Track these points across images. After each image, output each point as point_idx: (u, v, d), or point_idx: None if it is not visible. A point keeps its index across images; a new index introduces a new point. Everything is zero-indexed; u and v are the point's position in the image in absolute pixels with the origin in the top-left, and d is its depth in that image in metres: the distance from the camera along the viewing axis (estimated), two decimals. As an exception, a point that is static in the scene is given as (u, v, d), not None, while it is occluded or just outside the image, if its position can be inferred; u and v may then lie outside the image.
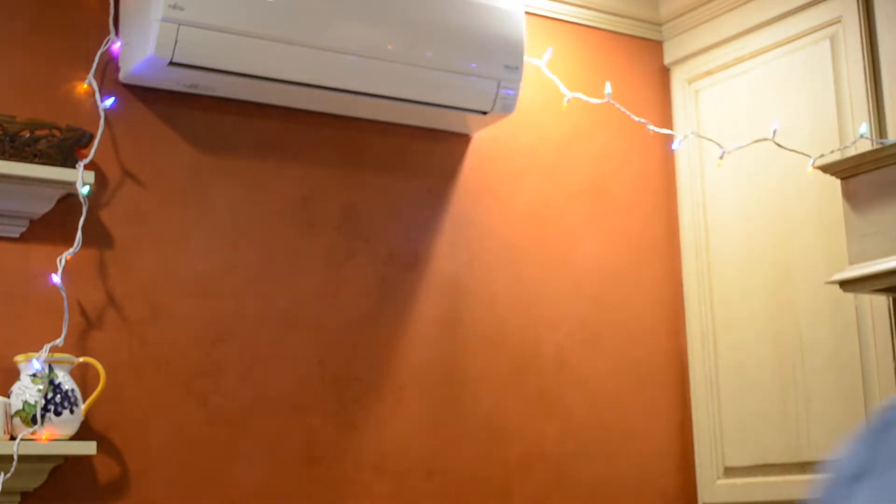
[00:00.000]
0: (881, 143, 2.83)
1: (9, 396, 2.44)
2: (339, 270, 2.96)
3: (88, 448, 2.48)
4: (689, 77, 3.49)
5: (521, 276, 3.20)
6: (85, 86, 2.68)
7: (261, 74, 2.74)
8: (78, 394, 2.48)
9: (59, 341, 2.50)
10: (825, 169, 2.81)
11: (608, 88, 3.20)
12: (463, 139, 3.20)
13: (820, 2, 3.11)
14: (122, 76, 2.72)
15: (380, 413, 2.94)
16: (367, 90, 2.86)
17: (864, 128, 2.89)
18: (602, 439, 3.25)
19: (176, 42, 2.57)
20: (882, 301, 2.88)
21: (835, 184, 2.83)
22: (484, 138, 3.23)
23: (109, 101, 2.68)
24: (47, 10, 2.68)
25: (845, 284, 2.72)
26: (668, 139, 3.41)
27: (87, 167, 2.56)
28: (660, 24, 3.57)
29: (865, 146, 2.84)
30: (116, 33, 2.72)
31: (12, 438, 2.39)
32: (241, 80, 2.74)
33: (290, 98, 2.88)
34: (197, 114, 2.83)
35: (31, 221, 2.58)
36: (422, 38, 2.87)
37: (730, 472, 3.25)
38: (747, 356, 3.22)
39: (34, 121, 2.52)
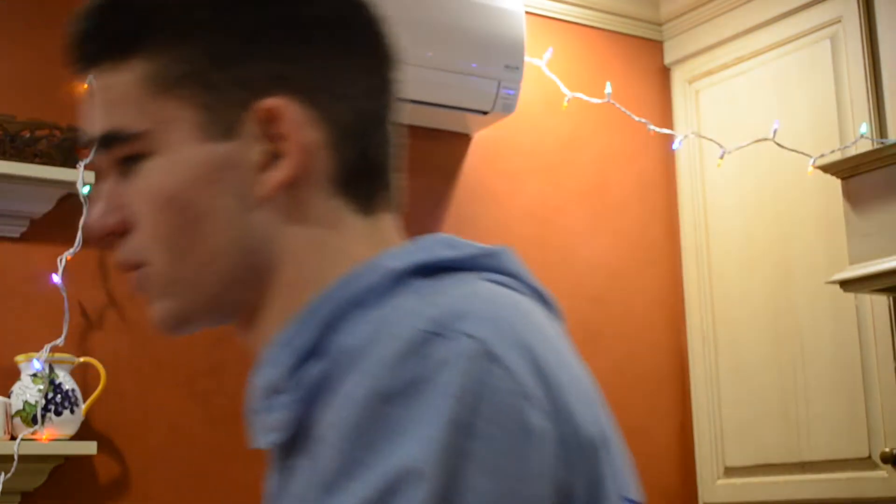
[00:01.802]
0: (881, 142, 2.83)
1: (9, 396, 2.44)
2: (339, 270, 2.96)
3: (89, 448, 2.48)
4: (689, 77, 3.49)
5: (521, 276, 3.20)
6: (85, 86, 2.68)
7: (261, 74, 2.74)
8: (78, 394, 2.48)
9: (59, 341, 2.50)
10: (825, 169, 2.81)
11: (608, 88, 3.20)
12: (463, 139, 3.20)
13: (820, 2, 3.11)
14: (122, 76, 2.72)
15: (380, 413, 2.94)
16: (367, 90, 2.86)
17: (864, 128, 2.90)
18: (602, 439, 3.25)
19: (176, 42, 2.57)
20: (882, 301, 2.88)
21: (835, 184, 2.83)
22: (484, 138, 3.23)
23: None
24: (48, 9, 2.68)
25: (845, 284, 2.73)
26: (669, 139, 3.41)
27: (87, 167, 2.56)
28: (660, 24, 3.58)
29: (866, 146, 2.85)
30: (117, 33, 2.72)
31: (13, 438, 2.39)
32: (242, 80, 2.74)
33: (291, 98, 2.88)
34: (197, 114, 2.83)
35: (32, 221, 2.58)
36: (422, 38, 2.87)
37: (730, 472, 3.25)
38: (747, 356, 3.22)
39: (35, 121, 2.52)
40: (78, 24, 0.90)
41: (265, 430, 0.84)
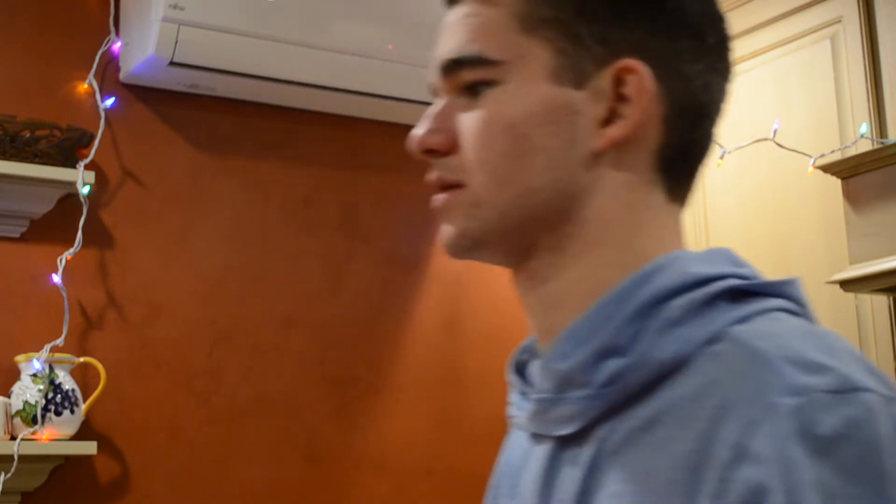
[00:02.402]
0: (881, 142, 2.83)
1: (9, 396, 2.45)
2: (339, 270, 2.96)
3: (89, 448, 2.48)
4: (689, 77, 3.49)
5: (521, 276, 3.21)
6: (85, 86, 2.68)
7: (261, 74, 2.74)
8: (78, 394, 2.48)
9: (59, 341, 2.50)
10: (825, 169, 2.81)
11: (608, 88, 3.20)
12: (463, 139, 3.20)
13: (820, 2, 3.11)
14: (122, 76, 2.72)
15: (380, 413, 2.95)
16: (367, 90, 2.86)
17: (864, 128, 2.89)
18: (602, 439, 3.25)
19: (176, 42, 2.57)
20: (882, 301, 2.88)
21: (835, 184, 2.83)
22: (484, 138, 3.23)
23: (110, 101, 2.68)
24: (48, 9, 2.68)
25: (845, 284, 2.72)
26: (669, 139, 3.40)
27: (87, 167, 2.56)
28: (660, 24, 3.57)
29: (866, 146, 2.84)
30: (117, 33, 2.72)
31: (13, 438, 2.39)
32: (241, 80, 2.74)
33: (290, 98, 2.88)
34: (197, 114, 2.83)
35: (32, 221, 2.58)
36: (422, 38, 2.87)
37: (730, 471, 3.25)
38: (747, 356, 3.22)
39: (34, 121, 2.52)
40: None
41: (552, 421, 0.84)
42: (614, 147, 0.84)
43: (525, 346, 0.94)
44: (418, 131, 0.90)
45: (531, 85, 0.84)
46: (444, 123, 0.89)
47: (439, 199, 0.90)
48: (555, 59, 0.84)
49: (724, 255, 0.87)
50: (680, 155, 0.87)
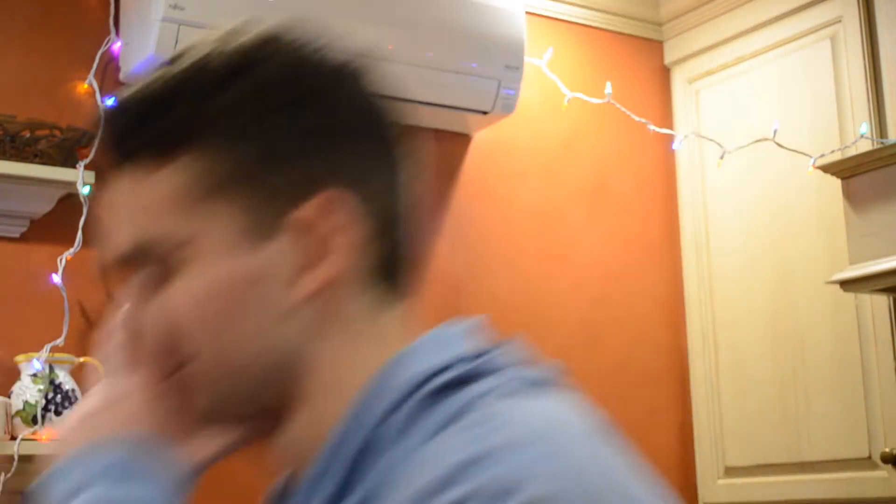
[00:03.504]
0: (881, 142, 2.83)
1: (9, 396, 2.45)
2: (339, 270, 2.96)
3: (89, 448, 2.48)
4: (689, 77, 3.49)
5: (521, 277, 3.21)
6: (85, 86, 2.68)
7: (261, 74, 2.73)
8: (79, 394, 2.48)
9: (59, 341, 2.50)
10: (825, 169, 2.81)
11: (608, 88, 3.20)
12: (463, 139, 3.20)
13: (820, 2, 3.11)
14: (122, 76, 2.72)
15: (380, 413, 2.94)
16: (367, 90, 2.86)
17: (864, 128, 2.90)
18: (602, 439, 3.24)
19: (176, 42, 2.57)
20: (882, 301, 2.88)
21: (835, 184, 2.83)
22: (484, 138, 3.23)
23: (110, 101, 2.68)
24: (48, 10, 2.68)
25: (845, 284, 2.73)
26: (669, 139, 3.41)
27: (87, 167, 2.56)
28: (660, 24, 3.58)
29: (866, 146, 2.85)
30: (117, 33, 2.72)
31: (13, 438, 2.39)
32: (242, 80, 2.74)
33: (291, 98, 2.88)
34: (197, 114, 2.83)
35: (32, 221, 2.58)
36: (422, 38, 2.87)
37: (730, 471, 3.25)
38: (747, 356, 3.22)
39: (35, 121, 2.52)
40: (117, 116, 0.83)
41: None
42: (329, 285, 0.79)
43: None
44: (115, 345, 0.85)
45: (223, 255, 0.78)
46: (136, 327, 0.81)
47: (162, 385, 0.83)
48: (244, 215, 0.78)
49: (450, 335, 0.84)
50: (396, 259, 0.84)
